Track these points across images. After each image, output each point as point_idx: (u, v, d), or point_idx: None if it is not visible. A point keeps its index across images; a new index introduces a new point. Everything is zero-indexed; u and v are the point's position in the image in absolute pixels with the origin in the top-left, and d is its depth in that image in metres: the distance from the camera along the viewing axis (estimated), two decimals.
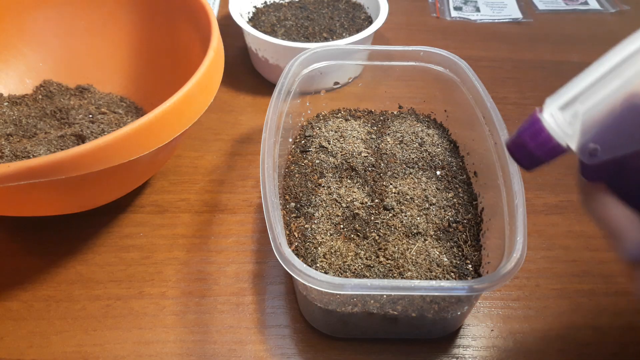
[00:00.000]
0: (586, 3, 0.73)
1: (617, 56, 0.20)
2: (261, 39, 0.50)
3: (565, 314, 0.37)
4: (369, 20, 0.58)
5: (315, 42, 0.54)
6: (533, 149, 0.22)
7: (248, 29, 0.51)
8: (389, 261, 0.34)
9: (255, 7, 0.60)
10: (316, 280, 0.27)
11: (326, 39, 0.55)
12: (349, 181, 0.39)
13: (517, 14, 0.70)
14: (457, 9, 0.71)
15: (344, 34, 0.55)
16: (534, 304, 0.37)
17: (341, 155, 0.41)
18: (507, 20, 0.69)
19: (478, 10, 0.71)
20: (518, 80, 0.58)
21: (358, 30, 0.56)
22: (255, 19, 0.58)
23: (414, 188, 0.38)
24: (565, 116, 0.21)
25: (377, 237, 0.35)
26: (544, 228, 0.42)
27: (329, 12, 0.59)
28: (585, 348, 0.35)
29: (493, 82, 0.57)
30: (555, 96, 0.22)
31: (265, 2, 0.61)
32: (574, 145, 0.22)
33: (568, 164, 0.47)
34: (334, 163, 0.41)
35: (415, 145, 0.42)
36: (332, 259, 0.34)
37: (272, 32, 0.55)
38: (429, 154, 0.42)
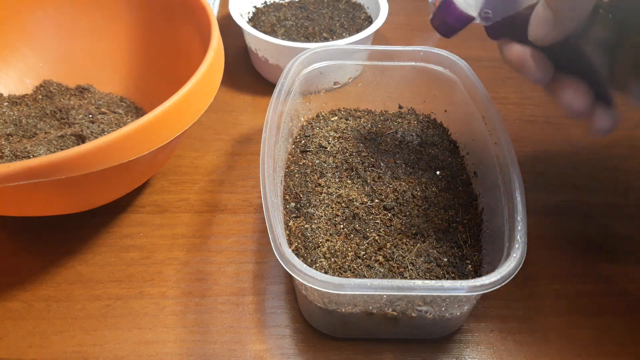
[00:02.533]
0: None
1: None
2: (261, 39, 0.50)
3: (565, 314, 0.37)
4: (369, 20, 0.58)
5: (315, 42, 0.54)
6: (447, 19, 0.30)
7: (248, 29, 0.51)
8: (389, 261, 0.34)
9: (255, 7, 0.60)
10: (316, 280, 0.27)
11: (326, 39, 0.55)
12: (349, 181, 0.39)
13: None
14: None
15: (344, 34, 0.55)
16: (534, 304, 0.37)
17: (341, 155, 0.41)
18: None
19: None
20: (518, 80, 0.58)
21: (358, 30, 0.56)
22: (255, 19, 0.58)
23: (414, 188, 0.38)
24: None
25: (377, 237, 0.35)
26: (544, 228, 0.42)
27: (329, 12, 0.59)
28: (585, 348, 0.35)
29: (493, 82, 0.57)
30: None
31: (265, 2, 0.61)
32: (474, 13, 0.29)
33: (568, 164, 0.47)
34: (333, 163, 0.41)
35: (415, 145, 0.42)
36: (332, 259, 0.34)
37: (272, 32, 0.55)
38: (428, 154, 0.42)
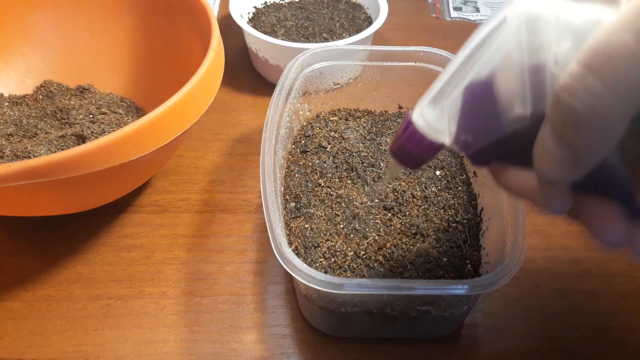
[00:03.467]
0: None
1: (469, 46, 0.20)
2: (261, 39, 0.50)
3: (565, 314, 0.37)
4: (369, 21, 0.58)
5: (315, 42, 0.54)
6: (412, 150, 0.23)
7: (248, 29, 0.51)
8: (389, 261, 0.34)
9: (255, 7, 0.61)
10: (316, 280, 0.27)
11: (326, 39, 0.55)
12: (348, 181, 0.39)
13: None
14: (456, 9, 0.71)
15: (344, 34, 0.56)
16: (534, 304, 0.38)
17: (341, 155, 0.41)
18: None
19: (478, 10, 0.71)
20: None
21: (358, 31, 0.56)
22: (256, 19, 0.59)
23: (413, 188, 0.38)
24: (435, 113, 0.22)
25: (376, 237, 0.35)
26: (544, 228, 0.42)
27: (329, 12, 0.60)
28: (585, 348, 0.35)
29: None
30: (424, 95, 0.22)
31: (265, 3, 0.61)
32: (447, 140, 0.22)
33: None
34: (333, 163, 0.41)
35: None
36: (332, 259, 0.34)
37: (272, 33, 0.55)
38: None
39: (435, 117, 0.22)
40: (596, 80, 0.16)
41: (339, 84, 0.45)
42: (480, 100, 0.21)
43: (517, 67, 0.19)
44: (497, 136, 0.21)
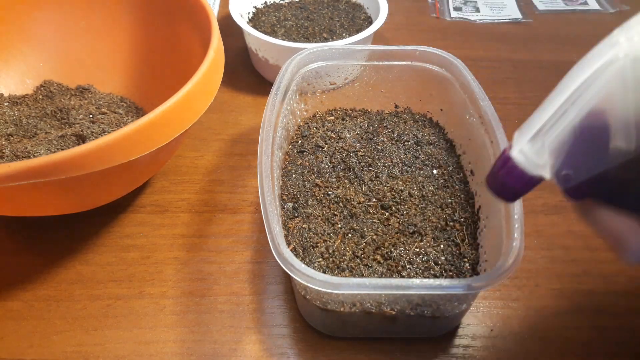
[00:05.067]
0: (586, 3, 0.73)
1: (572, 84, 0.21)
2: (261, 39, 0.51)
3: (565, 314, 0.37)
4: (369, 21, 0.58)
5: (315, 42, 0.54)
6: (511, 184, 0.24)
7: (248, 29, 0.51)
8: (387, 260, 0.34)
9: (255, 7, 0.61)
10: (314, 280, 0.27)
11: (326, 39, 0.55)
12: (346, 181, 0.39)
13: (516, 15, 0.70)
14: (456, 9, 0.71)
15: (344, 34, 0.56)
16: (534, 304, 0.37)
17: (338, 155, 0.41)
18: (506, 20, 0.69)
19: (478, 10, 0.71)
20: (518, 81, 0.58)
21: (358, 31, 0.56)
22: (255, 19, 0.59)
23: (411, 187, 0.38)
24: (534, 148, 0.22)
25: (374, 237, 0.35)
26: (544, 228, 0.42)
27: (329, 12, 0.60)
28: (585, 348, 0.35)
29: (493, 83, 0.57)
30: (522, 130, 0.23)
31: (265, 3, 0.62)
32: (547, 174, 0.23)
33: None
34: (330, 163, 0.41)
35: (411, 145, 0.42)
36: (330, 259, 0.34)
37: (272, 33, 0.55)
38: (425, 153, 0.42)
39: (535, 152, 0.22)
40: None
41: (336, 83, 0.45)
42: (592, 139, 0.22)
43: (621, 106, 0.20)
44: (602, 168, 0.22)
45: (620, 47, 0.20)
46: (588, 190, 0.23)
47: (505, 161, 0.23)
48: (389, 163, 0.40)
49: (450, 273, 0.34)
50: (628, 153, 0.21)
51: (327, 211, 0.37)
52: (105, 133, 0.43)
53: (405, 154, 0.41)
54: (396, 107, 0.47)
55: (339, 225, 0.36)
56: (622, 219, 0.22)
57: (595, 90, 0.21)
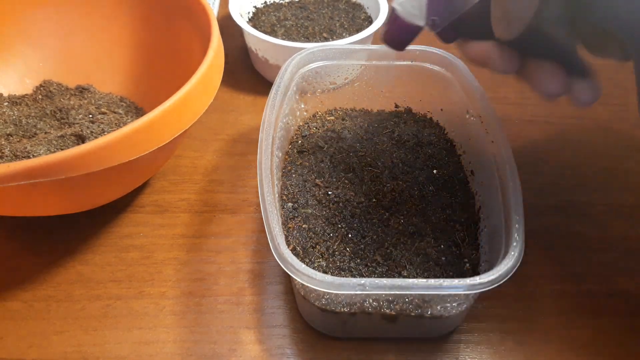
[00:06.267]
0: None
1: None
2: (261, 39, 0.50)
3: (565, 314, 0.37)
4: (369, 20, 0.58)
5: (315, 42, 0.54)
6: (397, 33, 0.30)
7: (248, 29, 0.51)
8: (387, 261, 0.34)
9: (255, 7, 0.61)
10: (314, 280, 0.27)
11: (326, 39, 0.55)
12: (346, 181, 0.39)
13: None
14: None
15: (344, 34, 0.56)
16: (534, 304, 0.37)
17: (338, 155, 0.41)
18: None
19: None
20: (518, 81, 0.58)
21: (358, 30, 0.56)
22: (255, 19, 0.59)
23: (411, 187, 0.38)
24: (411, 2, 0.28)
25: (374, 237, 0.35)
26: (544, 228, 0.42)
27: (329, 12, 0.60)
28: (585, 348, 0.35)
29: (493, 82, 0.57)
30: None
31: (265, 2, 0.61)
32: (422, 22, 0.28)
33: (568, 164, 0.47)
34: (330, 163, 0.41)
35: (411, 145, 0.42)
36: (330, 259, 0.34)
37: (272, 32, 0.55)
38: (425, 153, 0.42)
39: (411, 5, 0.28)
40: None
41: (335, 83, 0.45)
42: None
43: None
44: (458, 14, 0.28)
45: None
46: (455, 32, 0.31)
47: (390, 14, 0.29)
48: (389, 163, 0.40)
49: (451, 273, 0.34)
50: None
51: (327, 211, 0.37)
52: (105, 133, 0.43)
53: (405, 154, 0.41)
54: (396, 107, 0.47)
55: (339, 226, 0.36)
56: (483, 44, 0.30)
57: None
